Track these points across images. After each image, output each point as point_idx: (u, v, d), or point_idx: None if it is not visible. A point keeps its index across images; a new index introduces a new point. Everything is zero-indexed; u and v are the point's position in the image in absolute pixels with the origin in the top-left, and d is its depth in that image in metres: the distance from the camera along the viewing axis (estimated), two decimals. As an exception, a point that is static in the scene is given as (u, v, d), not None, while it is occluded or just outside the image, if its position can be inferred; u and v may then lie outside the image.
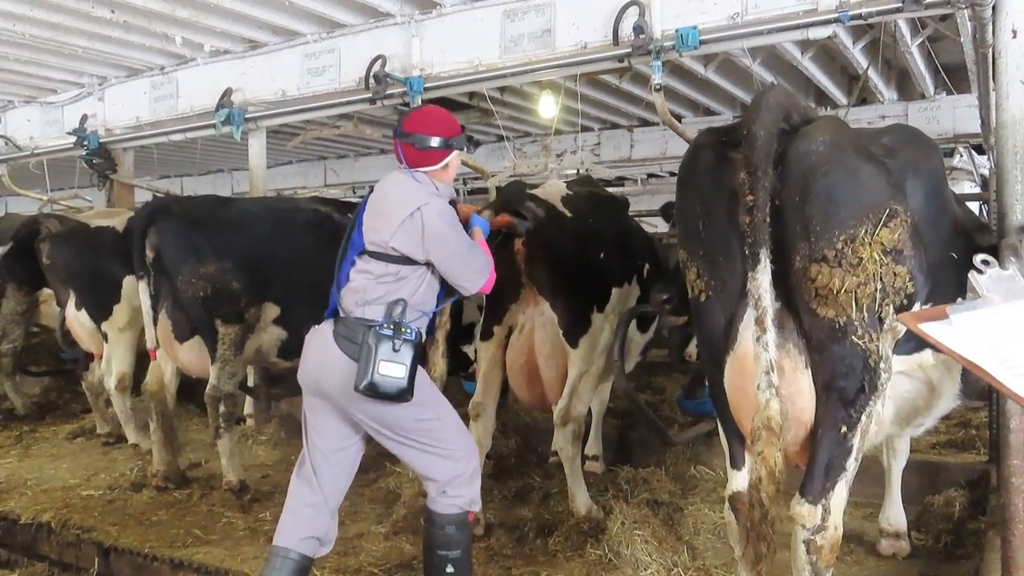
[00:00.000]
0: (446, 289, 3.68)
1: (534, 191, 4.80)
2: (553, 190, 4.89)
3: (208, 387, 5.45)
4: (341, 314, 3.49)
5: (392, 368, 3.25)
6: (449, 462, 3.54)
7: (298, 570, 3.52)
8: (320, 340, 3.50)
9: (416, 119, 3.65)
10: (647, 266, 5.26)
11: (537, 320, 4.73)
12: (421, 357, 3.49)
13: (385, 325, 3.32)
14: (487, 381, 4.86)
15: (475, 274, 3.60)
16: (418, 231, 3.44)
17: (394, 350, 3.27)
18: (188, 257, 5.29)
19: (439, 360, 4.22)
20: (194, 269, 5.27)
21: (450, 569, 3.58)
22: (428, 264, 3.53)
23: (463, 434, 3.67)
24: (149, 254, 5.38)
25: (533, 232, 4.54)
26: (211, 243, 5.34)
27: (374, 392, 3.27)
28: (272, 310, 5.59)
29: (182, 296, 5.34)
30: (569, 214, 4.71)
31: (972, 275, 2.05)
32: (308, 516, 3.60)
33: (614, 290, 4.84)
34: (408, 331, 3.33)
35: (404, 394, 3.30)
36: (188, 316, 5.42)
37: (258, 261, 5.45)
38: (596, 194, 5.27)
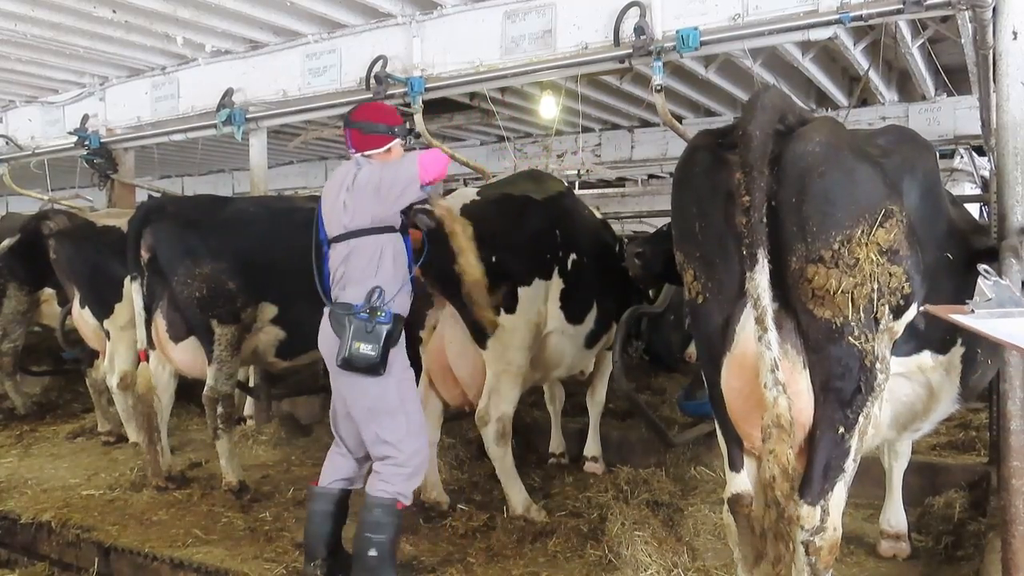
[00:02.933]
0: (413, 254, 4.07)
1: (443, 199, 4.58)
2: (457, 199, 4.79)
3: (206, 388, 5.45)
4: (330, 300, 3.96)
5: (365, 346, 3.73)
6: (394, 450, 3.89)
7: (336, 501, 4.09)
8: (323, 322, 3.98)
9: (363, 109, 4.25)
10: (573, 257, 5.09)
11: (443, 320, 4.87)
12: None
13: (362, 309, 3.77)
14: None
15: (414, 164, 3.88)
16: (360, 192, 3.86)
17: (367, 331, 3.73)
18: (184, 257, 5.29)
19: None
20: (190, 269, 5.27)
21: (373, 552, 3.79)
22: (384, 230, 3.88)
23: (417, 434, 3.98)
24: (145, 255, 5.38)
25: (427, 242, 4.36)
26: (207, 243, 5.35)
27: (349, 366, 3.77)
28: (269, 310, 5.59)
29: (178, 296, 5.34)
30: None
31: (980, 280, 2.29)
32: (338, 463, 4.17)
33: (521, 290, 4.80)
34: (382, 314, 3.76)
35: (376, 368, 3.76)
36: (184, 316, 5.42)
37: (254, 261, 5.44)
38: (508, 196, 5.06)
